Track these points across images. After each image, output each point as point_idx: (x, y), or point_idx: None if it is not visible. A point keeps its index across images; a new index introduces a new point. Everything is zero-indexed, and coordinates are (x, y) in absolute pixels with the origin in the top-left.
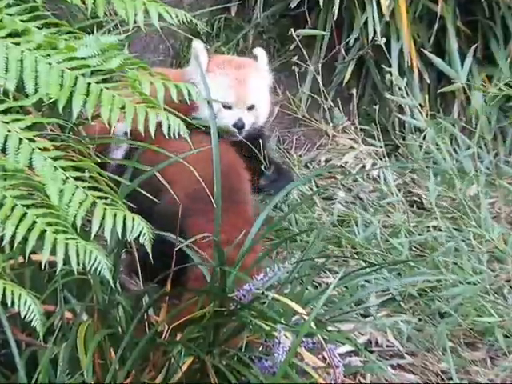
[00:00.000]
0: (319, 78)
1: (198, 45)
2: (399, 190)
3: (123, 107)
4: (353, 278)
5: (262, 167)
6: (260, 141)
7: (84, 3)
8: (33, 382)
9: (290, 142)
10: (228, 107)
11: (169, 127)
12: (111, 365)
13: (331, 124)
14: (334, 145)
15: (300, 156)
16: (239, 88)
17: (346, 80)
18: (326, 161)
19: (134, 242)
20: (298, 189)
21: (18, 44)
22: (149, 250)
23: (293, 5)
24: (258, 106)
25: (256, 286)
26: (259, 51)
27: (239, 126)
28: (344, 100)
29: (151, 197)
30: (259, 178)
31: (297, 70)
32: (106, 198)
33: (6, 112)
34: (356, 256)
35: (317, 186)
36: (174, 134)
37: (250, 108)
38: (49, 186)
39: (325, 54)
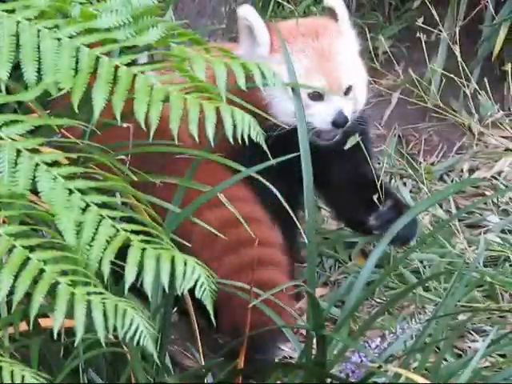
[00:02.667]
0: (457, 50)
1: (247, 12)
2: None
3: (167, 99)
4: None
5: (375, 198)
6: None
7: None
8: None
9: (416, 144)
10: (318, 97)
11: (234, 127)
12: None
13: (476, 116)
14: (482, 146)
15: (432, 164)
16: (328, 66)
17: (496, 51)
18: (471, 170)
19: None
20: (431, 212)
21: (11, 11)
22: (209, 308)
23: None
24: (356, 86)
25: (369, 356)
26: (332, 0)
27: (341, 122)
28: (494, 80)
29: None
30: (367, 213)
31: (424, 38)
32: (146, 234)
33: None
34: None
35: (457, 208)
36: (242, 139)
37: (347, 91)
38: (61, 218)
39: (465, 13)
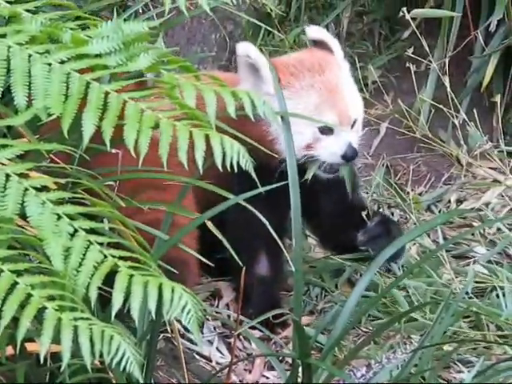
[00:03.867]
0: (446, 80)
1: (248, 49)
2: None
3: (157, 126)
4: (497, 373)
5: (363, 215)
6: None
7: None
8: None
9: (404, 174)
10: (328, 132)
11: (223, 155)
12: None
13: (465, 147)
14: (470, 177)
15: (420, 194)
16: (337, 100)
17: (485, 82)
18: (459, 201)
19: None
20: (418, 242)
21: (2, 36)
22: (195, 336)
23: None
24: (358, 118)
25: None
26: (320, 33)
27: (350, 155)
28: (483, 111)
29: None
30: (355, 231)
31: (413, 68)
32: (134, 260)
33: None
34: (500, 341)
35: (445, 239)
36: (231, 168)
37: (353, 124)
38: (49, 243)
39: (455, 43)
